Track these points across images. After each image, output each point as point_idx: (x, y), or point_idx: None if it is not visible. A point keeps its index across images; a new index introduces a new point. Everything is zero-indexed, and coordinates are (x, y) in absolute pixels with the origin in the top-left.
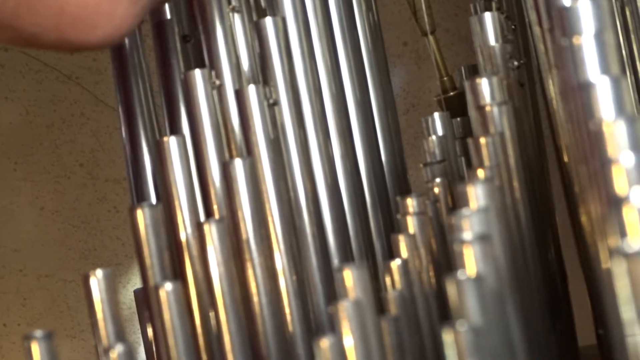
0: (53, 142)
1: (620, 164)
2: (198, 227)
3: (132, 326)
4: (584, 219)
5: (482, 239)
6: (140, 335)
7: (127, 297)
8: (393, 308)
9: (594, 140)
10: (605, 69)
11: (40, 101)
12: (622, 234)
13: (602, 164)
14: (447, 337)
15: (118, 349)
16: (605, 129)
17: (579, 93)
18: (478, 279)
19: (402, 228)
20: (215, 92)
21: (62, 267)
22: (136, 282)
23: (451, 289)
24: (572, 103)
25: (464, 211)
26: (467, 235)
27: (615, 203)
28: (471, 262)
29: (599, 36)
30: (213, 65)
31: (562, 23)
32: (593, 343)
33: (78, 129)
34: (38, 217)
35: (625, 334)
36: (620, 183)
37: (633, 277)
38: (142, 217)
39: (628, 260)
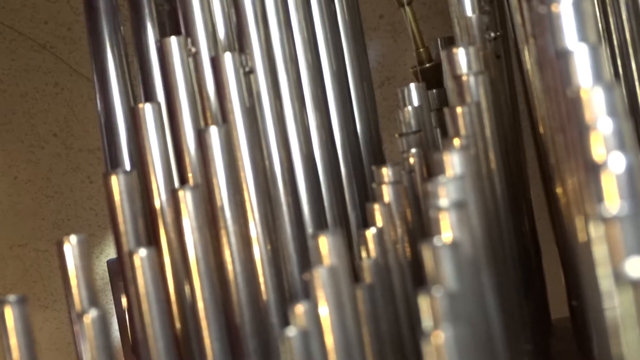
0: (27, 111)
1: (598, 130)
2: (173, 194)
3: (105, 297)
4: (559, 190)
5: (458, 205)
6: (112, 306)
7: (100, 268)
8: (368, 276)
9: (571, 108)
10: (583, 36)
11: (14, 70)
12: (600, 199)
13: (579, 131)
14: (423, 302)
15: (92, 314)
16: (583, 95)
17: (556, 61)
18: (454, 245)
19: (377, 197)
20: (190, 60)
21: (35, 237)
22: (109, 253)
23: (427, 255)
24: (549, 72)
25: (440, 178)
26: (444, 202)
27: (593, 169)
28: (447, 228)
29: (577, 4)
30: (189, 33)
31: None
32: (565, 316)
33: (52, 99)
34: (11, 187)
35: (602, 307)
36: (598, 149)
37: (610, 241)
38: (116, 183)
39: (606, 225)
